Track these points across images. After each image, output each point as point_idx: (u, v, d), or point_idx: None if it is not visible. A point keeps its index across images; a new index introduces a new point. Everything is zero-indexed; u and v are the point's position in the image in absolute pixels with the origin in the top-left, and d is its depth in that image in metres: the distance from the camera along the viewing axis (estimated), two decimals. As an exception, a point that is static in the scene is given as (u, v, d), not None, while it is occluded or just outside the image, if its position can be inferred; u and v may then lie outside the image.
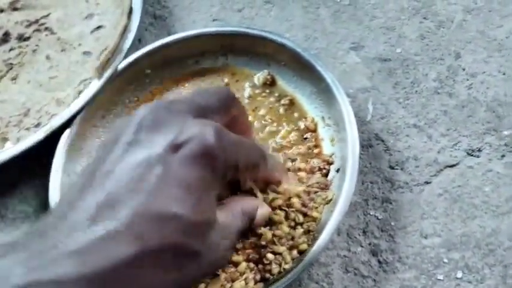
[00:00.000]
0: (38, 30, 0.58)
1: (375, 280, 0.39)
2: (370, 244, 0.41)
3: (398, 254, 0.40)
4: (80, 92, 0.50)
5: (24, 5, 0.60)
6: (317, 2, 0.53)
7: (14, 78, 0.55)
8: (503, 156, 0.42)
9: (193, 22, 0.55)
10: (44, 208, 0.48)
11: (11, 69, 0.56)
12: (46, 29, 0.57)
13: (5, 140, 0.51)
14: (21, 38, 0.57)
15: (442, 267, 0.39)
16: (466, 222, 0.40)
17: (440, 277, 0.39)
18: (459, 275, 0.38)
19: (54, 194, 0.43)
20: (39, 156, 0.47)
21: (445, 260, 0.39)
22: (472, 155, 0.43)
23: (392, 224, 0.41)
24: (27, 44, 0.57)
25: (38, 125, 0.50)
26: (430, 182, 0.42)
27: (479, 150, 0.43)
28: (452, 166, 0.43)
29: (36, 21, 0.58)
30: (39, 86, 0.53)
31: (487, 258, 0.39)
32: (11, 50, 0.57)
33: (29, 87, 0.54)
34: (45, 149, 0.46)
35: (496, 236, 0.39)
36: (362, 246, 0.41)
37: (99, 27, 0.55)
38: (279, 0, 0.55)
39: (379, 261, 0.40)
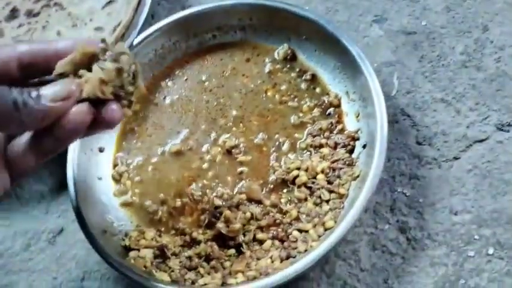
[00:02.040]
0: (47, 5, 0.57)
1: (403, 257, 0.39)
2: (397, 221, 0.41)
3: (428, 231, 0.40)
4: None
5: (32, -20, 0.59)
6: (337, -27, 0.52)
7: (24, 56, 0.54)
8: (534, 130, 0.42)
9: (208, -4, 0.54)
10: (59, 187, 0.48)
11: (20, 46, 0.55)
12: (55, 4, 0.56)
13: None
14: (30, 13, 0.56)
15: (473, 244, 0.39)
16: (496, 198, 0.40)
17: (471, 253, 0.38)
18: (490, 251, 0.38)
19: (72, 171, 0.43)
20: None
21: (476, 237, 0.39)
22: (502, 130, 0.42)
23: (421, 200, 0.41)
24: (36, 20, 0.56)
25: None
26: (459, 158, 0.42)
27: (509, 124, 0.42)
28: (481, 141, 0.42)
29: (45, -4, 0.57)
30: (51, 63, 0.53)
31: (518, 234, 0.38)
32: (19, 26, 0.56)
33: (40, 65, 0.53)
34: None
35: (528, 212, 0.39)
36: (390, 224, 0.41)
37: (110, 2, 0.54)
38: (297, -28, 0.53)
39: (408, 239, 0.40)
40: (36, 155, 0.32)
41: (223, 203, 0.42)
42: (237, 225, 0.40)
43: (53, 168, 0.48)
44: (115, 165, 0.46)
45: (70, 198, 0.42)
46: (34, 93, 0.29)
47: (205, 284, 0.38)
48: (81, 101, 0.30)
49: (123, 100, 0.32)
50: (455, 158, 0.42)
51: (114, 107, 0.31)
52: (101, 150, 0.46)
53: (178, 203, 0.43)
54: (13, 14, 0.57)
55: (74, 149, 0.44)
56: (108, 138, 0.47)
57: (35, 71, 0.31)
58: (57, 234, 0.46)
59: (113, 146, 0.47)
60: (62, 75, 0.30)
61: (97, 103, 0.31)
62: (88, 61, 0.31)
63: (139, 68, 0.33)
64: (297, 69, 0.47)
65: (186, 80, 0.49)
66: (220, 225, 0.40)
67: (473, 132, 0.43)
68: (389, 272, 0.39)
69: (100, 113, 0.31)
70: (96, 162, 0.46)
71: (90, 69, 0.31)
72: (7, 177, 0.32)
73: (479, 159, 0.42)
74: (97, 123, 0.31)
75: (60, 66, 0.30)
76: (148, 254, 0.40)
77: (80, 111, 0.30)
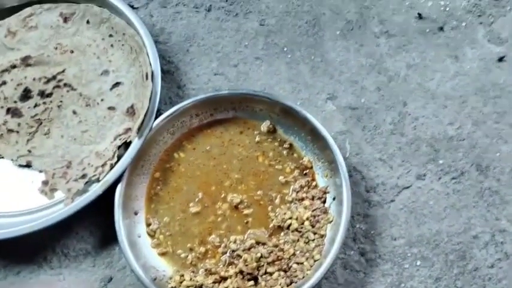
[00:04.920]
0: (57, 86, 0.69)
1: (364, 273, 0.61)
2: (358, 248, 0.62)
3: (378, 253, 0.61)
4: (118, 146, 0.63)
5: (37, 61, 0.70)
6: (297, 60, 0.71)
7: (46, 134, 0.67)
8: (440, 178, 0.65)
9: (198, 76, 0.71)
10: (100, 244, 0.62)
11: (40, 124, 0.67)
12: (65, 85, 0.69)
13: (54, 190, 0.64)
14: (43, 94, 0.68)
15: (407, 259, 0.61)
16: (419, 227, 0.63)
17: (407, 266, 0.61)
18: (418, 263, 0.61)
19: (121, 234, 0.58)
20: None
21: (409, 254, 0.61)
22: (420, 179, 0.65)
23: (372, 232, 0.62)
24: (50, 100, 0.68)
25: (83, 176, 0.63)
26: (394, 200, 0.64)
27: (424, 175, 0.65)
28: (407, 188, 0.65)
29: (54, 77, 0.69)
30: (74, 139, 0.66)
31: (434, 250, 0.61)
32: (35, 106, 0.68)
33: (63, 141, 0.66)
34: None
35: (439, 235, 0.62)
36: (353, 250, 0.62)
37: (117, 84, 0.68)
38: (266, 57, 0.72)
39: (366, 260, 0.61)
40: None
41: (238, 247, 0.60)
42: (254, 264, 0.58)
43: (92, 228, 0.63)
44: (148, 224, 0.62)
45: (124, 255, 0.57)
46: None
47: (238, 308, 0.56)
48: None
49: None
50: (392, 201, 0.64)
51: None
52: (136, 213, 0.62)
53: (203, 249, 0.61)
54: (26, 94, 0.68)
55: (118, 216, 0.59)
56: (139, 203, 0.62)
57: None
58: (108, 282, 0.61)
59: (143, 209, 0.62)
60: None
61: None
62: None
63: None
64: (278, 140, 0.66)
65: (194, 149, 0.65)
66: (241, 265, 0.59)
67: (401, 181, 0.65)
68: (356, 283, 0.60)
69: None
70: (134, 224, 0.61)
71: None
72: None
73: (407, 200, 0.64)
74: None
75: None
76: (191, 291, 0.58)
77: None
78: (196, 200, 0.63)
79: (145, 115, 0.63)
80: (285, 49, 0.72)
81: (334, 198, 0.62)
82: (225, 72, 0.71)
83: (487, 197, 0.64)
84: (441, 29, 0.74)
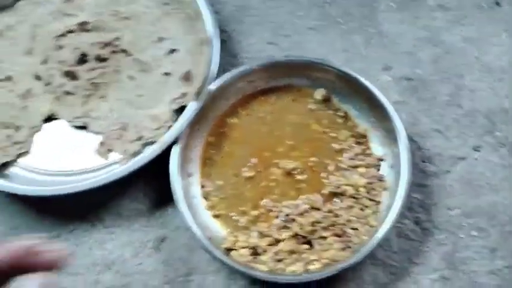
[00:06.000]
0: (114, 51, 0.70)
1: (419, 241, 0.60)
2: (414, 217, 0.61)
3: (433, 223, 0.61)
4: (174, 110, 0.64)
5: (94, 27, 0.72)
6: (350, 30, 0.71)
7: (102, 97, 0.68)
8: (496, 150, 0.64)
9: (250, 45, 0.71)
10: (154, 205, 0.63)
11: (97, 88, 0.68)
12: (121, 50, 0.70)
13: (110, 151, 0.65)
14: (99, 58, 0.70)
15: (462, 229, 0.60)
16: (475, 198, 0.62)
17: (462, 236, 0.60)
18: (474, 233, 0.60)
19: (179, 194, 0.59)
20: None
21: (464, 224, 0.61)
22: (476, 150, 0.64)
23: (427, 202, 0.62)
24: (107, 65, 0.69)
25: (139, 138, 0.64)
26: (450, 171, 0.63)
27: (481, 146, 0.64)
28: (463, 159, 0.64)
29: (110, 43, 0.70)
30: (130, 103, 0.67)
31: (490, 221, 0.61)
32: (92, 70, 0.69)
33: (119, 105, 0.67)
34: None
35: (495, 206, 0.61)
36: (409, 219, 0.61)
37: (173, 51, 0.69)
38: (320, 27, 0.72)
39: (421, 229, 0.61)
40: None
41: (292, 211, 0.60)
42: (309, 228, 0.58)
43: (147, 190, 0.64)
44: (202, 187, 0.62)
45: (181, 213, 0.58)
46: None
47: (294, 271, 0.56)
48: None
49: None
50: (448, 171, 0.63)
51: None
52: (189, 175, 0.62)
53: (256, 212, 0.61)
54: (83, 58, 0.70)
55: (174, 176, 0.60)
56: (194, 166, 0.63)
57: None
58: (161, 242, 0.61)
59: (198, 172, 0.63)
60: None
61: None
62: None
63: None
64: (333, 108, 0.66)
65: (247, 115, 0.66)
66: (296, 228, 0.59)
67: (458, 152, 0.64)
68: (411, 252, 0.60)
69: None
70: (189, 185, 0.62)
71: None
72: None
73: (463, 171, 0.63)
74: None
75: None
76: (245, 252, 0.58)
77: None
78: (249, 165, 0.63)
79: (204, 80, 0.64)
80: (339, 20, 0.72)
81: (391, 167, 0.62)
82: (279, 42, 0.72)
83: (546, 171, 0.63)
84: (498, 4, 0.73)
